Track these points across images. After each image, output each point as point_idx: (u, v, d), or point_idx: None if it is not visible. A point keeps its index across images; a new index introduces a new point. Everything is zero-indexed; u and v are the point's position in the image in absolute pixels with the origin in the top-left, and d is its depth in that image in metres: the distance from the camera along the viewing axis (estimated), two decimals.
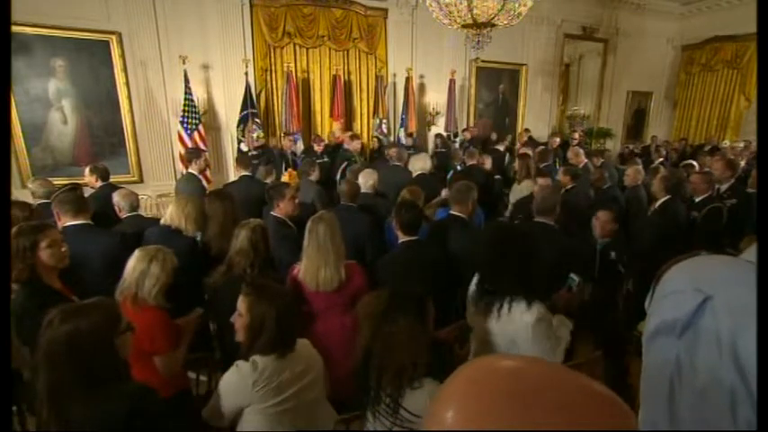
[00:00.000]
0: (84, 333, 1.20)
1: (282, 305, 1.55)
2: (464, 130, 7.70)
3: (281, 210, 2.82)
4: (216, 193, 3.00)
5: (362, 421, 1.57)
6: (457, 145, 7.09)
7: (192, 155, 4.27)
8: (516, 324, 1.65)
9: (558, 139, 7.21)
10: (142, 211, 3.54)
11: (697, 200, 3.64)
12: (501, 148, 6.99)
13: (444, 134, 7.65)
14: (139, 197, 3.33)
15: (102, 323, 1.25)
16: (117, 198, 2.98)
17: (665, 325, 0.72)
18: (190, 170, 4.17)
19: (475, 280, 1.88)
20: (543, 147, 6.37)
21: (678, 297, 0.71)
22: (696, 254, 0.80)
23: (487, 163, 5.05)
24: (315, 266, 2.09)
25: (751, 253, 0.69)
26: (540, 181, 3.66)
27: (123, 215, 2.97)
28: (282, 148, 6.05)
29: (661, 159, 6.23)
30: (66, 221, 2.48)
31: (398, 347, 1.38)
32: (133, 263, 1.86)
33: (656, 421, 0.74)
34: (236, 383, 1.52)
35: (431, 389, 1.37)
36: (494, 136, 7.87)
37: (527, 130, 8.20)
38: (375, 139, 7.12)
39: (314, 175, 4.06)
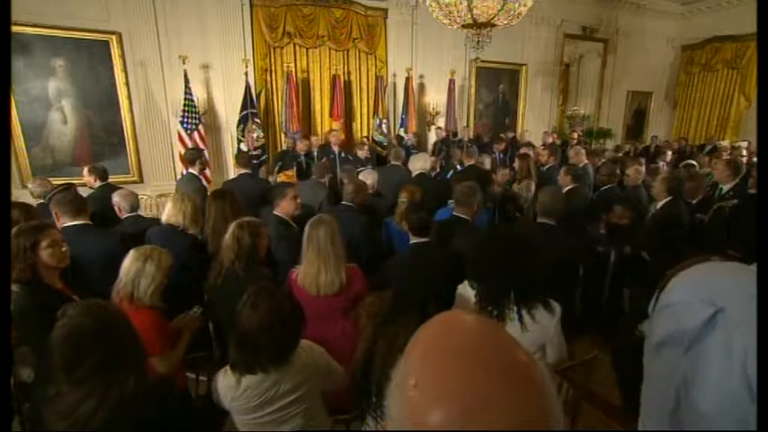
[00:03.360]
0: (124, 324, 1.28)
1: (278, 318, 1.47)
2: (438, 128, 7.69)
3: (282, 209, 2.82)
4: (215, 192, 3.00)
5: (362, 424, 1.56)
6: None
7: (193, 155, 4.27)
8: (546, 329, 1.68)
9: (552, 137, 7.23)
10: (142, 212, 3.54)
11: (693, 201, 3.65)
12: (500, 148, 7.00)
13: (444, 134, 7.64)
14: (139, 197, 3.32)
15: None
16: (117, 198, 2.97)
17: (672, 337, 0.68)
18: (191, 170, 4.17)
19: (465, 286, 1.87)
20: (552, 144, 6.39)
21: (686, 308, 0.67)
22: (705, 259, 0.76)
23: (486, 162, 5.07)
24: (315, 270, 2.07)
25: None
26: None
27: (123, 215, 2.97)
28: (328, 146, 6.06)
29: (668, 160, 6.15)
30: (66, 222, 2.48)
31: (402, 349, 1.36)
32: (128, 263, 1.86)
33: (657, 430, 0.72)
34: (220, 389, 1.53)
35: None
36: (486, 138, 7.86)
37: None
38: (365, 140, 7.04)
39: (325, 178, 4.07)
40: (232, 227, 2.14)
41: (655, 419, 0.74)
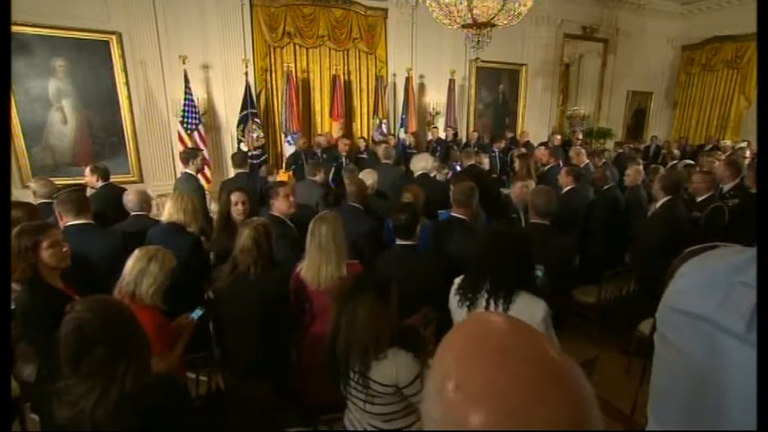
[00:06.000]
0: (129, 319, 1.29)
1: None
2: (434, 128, 7.59)
3: (276, 208, 2.83)
4: (229, 191, 3.02)
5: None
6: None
7: (188, 155, 4.27)
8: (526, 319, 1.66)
9: (559, 137, 7.22)
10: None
11: (699, 199, 3.63)
12: (500, 147, 7.01)
13: (442, 135, 7.62)
14: None
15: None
16: (129, 196, 3.02)
17: (710, 321, 0.61)
18: (187, 170, 4.17)
19: (458, 280, 1.89)
20: (553, 145, 6.38)
21: (717, 291, 0.61)
22: (712, 246, 0.71)
23: (485, 162, 5.08)
24: (316, 265, 2.11)
25: None
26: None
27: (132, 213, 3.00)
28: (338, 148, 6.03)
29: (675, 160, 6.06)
30: (68, 221, 2.50)
31: (361, 323, 1.47)
32: (132, 261, 1.87)
33: (681, 422, 0.68)
34: None
35: (394, 357, 1.47)
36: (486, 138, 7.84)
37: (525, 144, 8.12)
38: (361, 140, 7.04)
39: (319, 177, 4.04)
40: (248, 231, 2.10)
41: (676, 414, 0.69)
